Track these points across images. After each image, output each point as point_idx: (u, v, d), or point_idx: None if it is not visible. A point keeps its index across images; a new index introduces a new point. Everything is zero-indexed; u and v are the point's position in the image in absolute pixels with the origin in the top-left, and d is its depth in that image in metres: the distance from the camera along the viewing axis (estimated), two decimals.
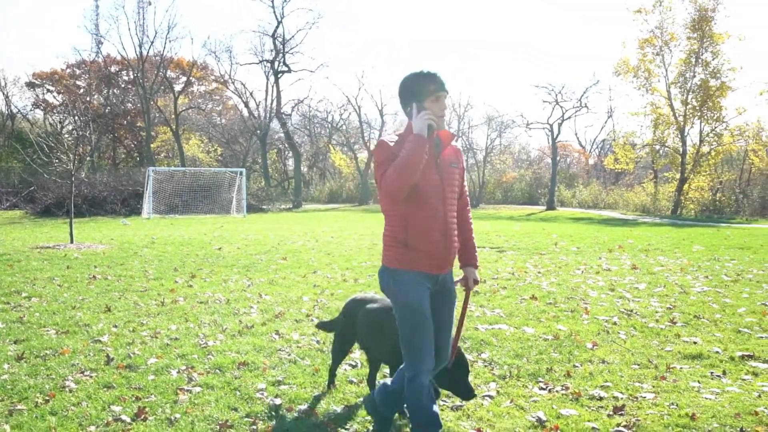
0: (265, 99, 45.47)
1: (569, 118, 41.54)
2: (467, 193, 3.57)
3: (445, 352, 3.42)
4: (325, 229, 19.51)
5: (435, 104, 3.22)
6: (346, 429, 3.82)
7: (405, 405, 3.48)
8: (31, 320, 6.41)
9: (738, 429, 3.72)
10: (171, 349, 5.38)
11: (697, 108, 30.92)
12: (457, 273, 3.60)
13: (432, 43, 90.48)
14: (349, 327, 4.30)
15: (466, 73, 78.39)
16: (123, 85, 49.58)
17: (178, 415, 3.92)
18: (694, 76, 31.03)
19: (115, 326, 6.20)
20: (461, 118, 47.78)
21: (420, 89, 3.22)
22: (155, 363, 4.97)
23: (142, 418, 3.88)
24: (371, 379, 4.36)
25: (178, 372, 4.78)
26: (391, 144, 3.22)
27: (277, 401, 4.20)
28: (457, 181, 3.38)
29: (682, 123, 31.46)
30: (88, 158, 30.45)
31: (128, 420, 3.86)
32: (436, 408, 3.34)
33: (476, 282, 3.59)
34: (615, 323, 6.38)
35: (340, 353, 4.47)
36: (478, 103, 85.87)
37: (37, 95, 50.48)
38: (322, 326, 4.88)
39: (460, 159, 3.40)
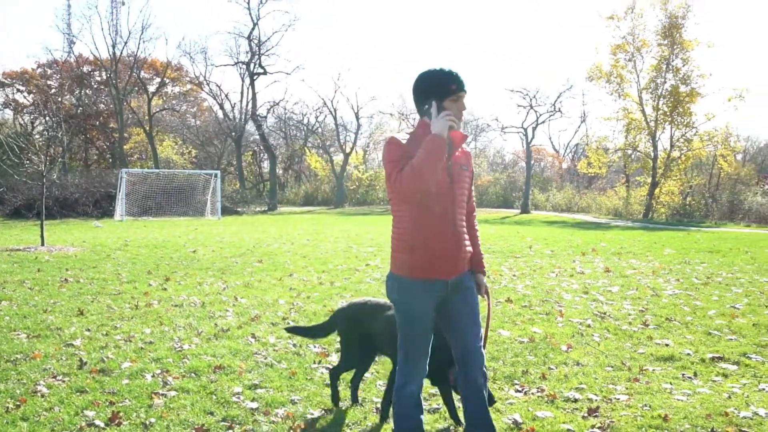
0: (241, 101, 45.17)
1: (543, 122, 41.83)
2: (474, 198, 3.48)
3: (478, 353, 3.30)
4: (300, 232, 19.44)
5: (454, 104, 3.12)
6: None
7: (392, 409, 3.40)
8: (1, 324, 6.29)
9: (709, 430, 3.78)
10: (145, 353, 5.32)
11: (668, 113, 31.40)
12: None
13: (407, 46, 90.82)
14: (367, 334, 4.10)
15: None
16: (95, 86, 48.81)
17: (153, 420, 3.88)
18: (665, 82, 31.50)
19: (88, 330, 6.11)
20: None
21: (441, 88, 3.11)
22: (129, 367, 4.91)
23: (116, 423, 3.83)
24: (355, 382, 4.31)
25: (153, 376, 4.73)
26: (403, 142, 3.10)
27: (254, 405, 4.17)
28: (467, 184, 3.29)
29: (653, 128, 31.92)
30: (59, 159, 29.91)
31: (102, 425, 3.81)
32: (422, 416, 3.32)
33: (487, 290, 3.48)
34: (589, 326, 6.45)
35: (364, 363, 4.27)
36: None
37: (6, 95, 49.54)
38: (296, 331, 4.81)
39: (470, 162, 3.32)
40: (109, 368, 4.88)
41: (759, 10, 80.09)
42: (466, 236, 3.27)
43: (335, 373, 4.26)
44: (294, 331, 4.85)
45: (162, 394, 4.33)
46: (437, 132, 3.02)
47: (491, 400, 3.58)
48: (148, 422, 3.85)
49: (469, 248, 3.29)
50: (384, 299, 4.31)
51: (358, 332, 4.15)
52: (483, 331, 3.40)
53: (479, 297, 3.43)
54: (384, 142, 3.19)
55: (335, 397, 4.21)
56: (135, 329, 6.15)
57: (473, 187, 3.42)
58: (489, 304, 3.58)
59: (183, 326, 6.30)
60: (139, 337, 5.86)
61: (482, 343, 3.37)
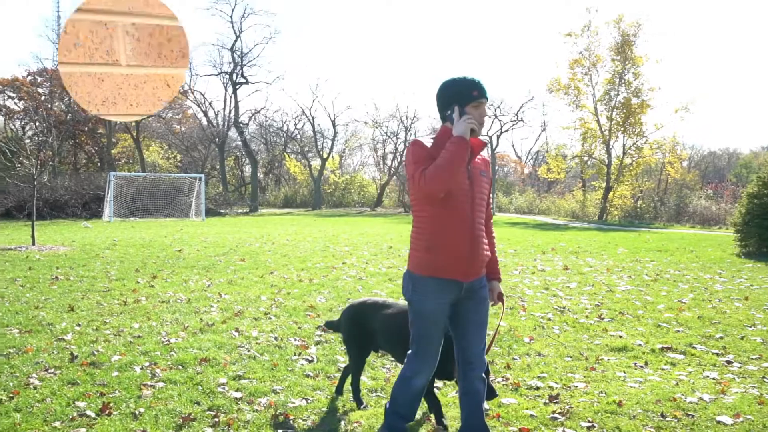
0: (224, 109, 44.74)
1: (507, 130, 42.33)
2: (492, 205, 3.39)
3: (480, 357, 3.23)
4: (280, 232, 19.32)
5: (475, 110, 3.06)
6: (303, 420, 3.80)
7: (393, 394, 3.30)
8: None
9: (659, 413, 3.86)
10: (134, 347, 5.25)
11: (621, 123, 31.86)
12: None
13: (387, 47, 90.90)
14: (367, 333, 4.01)
15: (413, 87, 78.90)
16: None
17: (142, 410, 3.83)
18: (618, 95, 31.94)
19: (79, 325, 6.01)
20: (408, 130, 48.12)
21: (463, 94, 3.06)
22: (119, 360, 4.85)
23: (106, 413, 3.78)
24: (346, 374, 4.22)
25: (142, 368, 4.67)
26: (427, 145, 3.05)
27: (238, 395, 4.14)
28: (486, 190, 3.19)
29: (607, 137, 32.36)
30: (49, 163, 29.30)
31: (93, 415, 3.75)
32: (416, 407, 3.29)
33: (501, 296, 3.38)
34: (549, 319, 6.53)
35: (361, 361, 4.10)
36: (424, 115, 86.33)
37: None
38: (330, 325, 4.55)
39: (489, 169, 3.24)
40: (100, 361, 4.81)
41: (702, 26, 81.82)
42: (485, 240, 3.18)
43: (353, 379, 4.10)
44: (329, 326, 4.57)
45: (150, 386, 4.27)
46: (459, 133, 2.97)
47: (492, 394, 3.51)
48: (137, 412, 3.80)
49: (487, 252, 3.21)
50: (383, 298, 4.30)
51: (364, 335, 4.04)
52: (490, 335, 3.30)
53: (492, 303, 3.36)
54: (408, 144, 3.13)
55: (358, 401, 4.04)
56: (124, 324, 6.07)
57: (491, 195, 3.31)
58: (502, 312, 3.54)
59: (170, 321, 6.23)
60: (128, 331, 5.78)
61: (486, 348, 3.30)
